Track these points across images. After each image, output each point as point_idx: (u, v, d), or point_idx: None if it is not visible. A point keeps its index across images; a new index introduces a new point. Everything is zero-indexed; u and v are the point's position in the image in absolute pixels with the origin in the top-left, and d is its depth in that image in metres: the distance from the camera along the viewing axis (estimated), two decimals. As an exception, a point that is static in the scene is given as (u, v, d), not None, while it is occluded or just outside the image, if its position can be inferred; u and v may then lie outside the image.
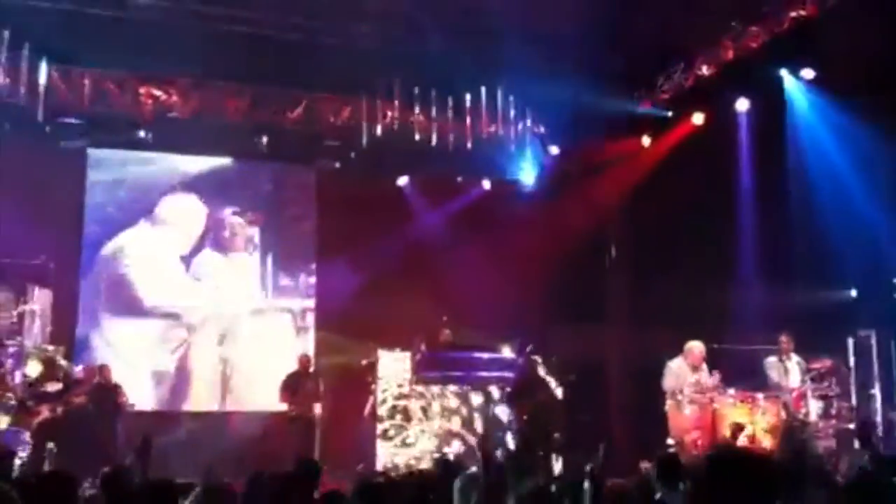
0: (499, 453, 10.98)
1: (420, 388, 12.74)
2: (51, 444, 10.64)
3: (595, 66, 12.57)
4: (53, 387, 11.14)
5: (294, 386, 12.26)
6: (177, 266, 13.94)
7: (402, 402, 12.69)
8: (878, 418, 10.17)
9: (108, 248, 13.67)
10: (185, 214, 14.10)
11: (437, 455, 12.31)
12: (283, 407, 12.39)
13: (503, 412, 12.62)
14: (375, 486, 5.12)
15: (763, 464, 2.69)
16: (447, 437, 12.72)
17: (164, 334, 13.73)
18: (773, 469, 2.76)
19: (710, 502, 2.58)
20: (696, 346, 10.85)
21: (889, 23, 9.70)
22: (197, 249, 14.11)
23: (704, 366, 10.86)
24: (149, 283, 13.72)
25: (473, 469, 7.04)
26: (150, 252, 13.82)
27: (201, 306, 13.96)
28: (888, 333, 10.12)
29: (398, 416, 12.63)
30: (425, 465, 11.76)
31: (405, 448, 12.60)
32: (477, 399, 12.85)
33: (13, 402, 10.96)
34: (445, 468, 7.12)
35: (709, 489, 2.60)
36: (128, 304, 13.59)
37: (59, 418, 10.87)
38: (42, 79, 11.93)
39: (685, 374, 10.79)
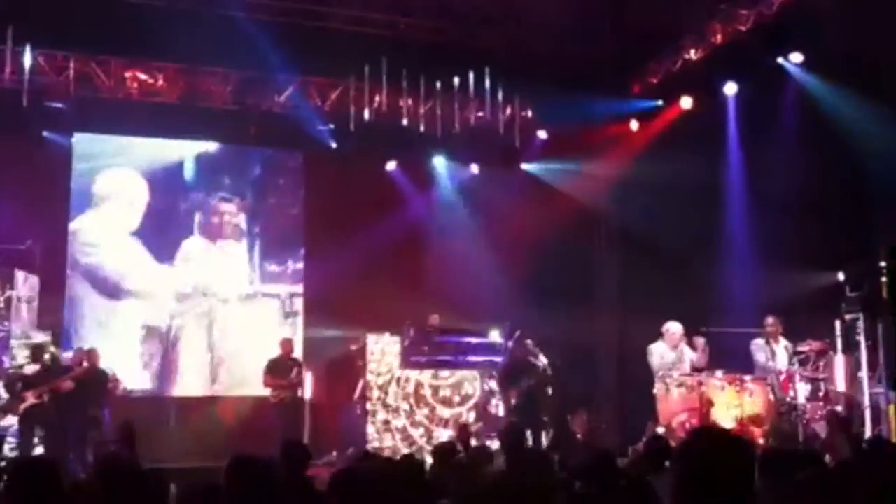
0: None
1: (408, 373, 12.73)
2: (39, 430, 10.64)
3: (583, 50, 12.57)
4: (40, 372, 11.09)
5: (276, 370, 12.24)
6: (153, 246, 13.83)
7: (390, 387, 12.67)
8: (866, 401, 10.20)
9: (90, 233, 13.60)
10: (123, 189, 13.88)
11: (424, 439, 12.38)
12: (269, 392, 12.38)
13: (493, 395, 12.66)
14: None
15: (741, 444, 2.69)
16: (436, 421, 12.71)
17: (151, 319, 13.69)
18: (752, 450, 2.76)
19: (691, 482, 2.57)
20: (673, 327, 10.98)
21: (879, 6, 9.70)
22: (176, 229, 14.00)
23: (683, 345, 10.95)
24: (128, 267, 13.64)
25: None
26: (98, 233, 13.66)
27: (189, 291, 13.92)
28: (875, 316, 10.12)
29: (387, 400, 12.61)
30: (413, 449, 11.81)
31: (394, 432, 12.59)
32: (466, 383, 12.86)
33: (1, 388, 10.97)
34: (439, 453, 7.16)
35: (688, 469, 2.60)
36: (111, 290, 13.53)
37: (45, 404, 10.85)
38: (27, 63, 11.83)
39: (668, 355, 10.89)
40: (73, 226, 13.55)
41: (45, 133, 13.01)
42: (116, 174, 13.86)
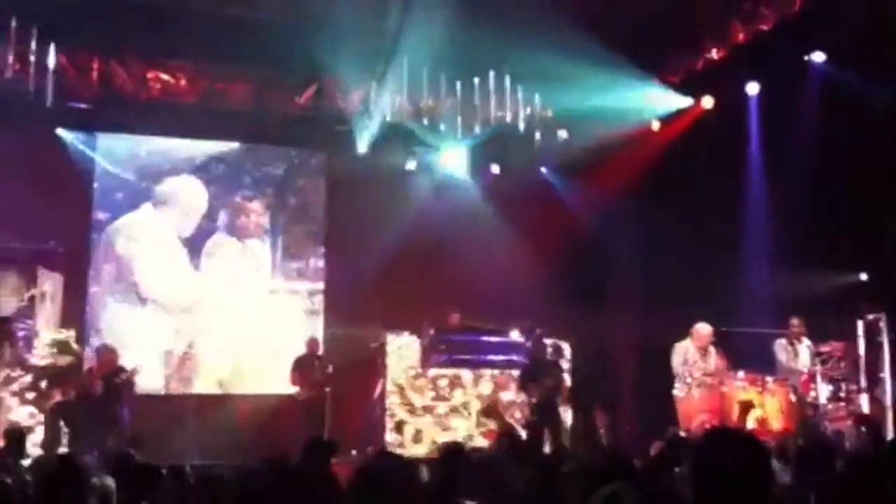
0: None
1: (429, 372, 12.74)
2: (64, 427, 10.73)
3: (604, 50, 12.51)
4: (66, 369, 11.20)
5: (303, 369, 12.34)
6: (178, 247, 13.96)
7: (411, 385, 12.68)
8: (888, 401, 10.14)
9: (113, 231, 13.72)
10: (185, 195, 14.11)
11: (444, 440, 12.38)
12: (293, 390, 12.46)
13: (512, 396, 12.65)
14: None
15: (756, 444, 2.70)
16: (457, 421, 12.71)
17: (173, 317, 13.79)
18: (766, 449, 2.76)
19: (706, 482, 2.58)
20: (703, 328, 10.89)
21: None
22: (202, 231, 14.14)
23: (712, 348, 10.88)
24: (152, 266, 13.77)
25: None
26: (151, 233, 13.85)
27: (211, 290, 14.01)
28: (898, 316, 10.09)
29: (406, 400, 12.63)
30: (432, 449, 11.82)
31: (413, 431, 12.60)
32: (486, 383, 12.85)
33: (27, 384, 11.08)
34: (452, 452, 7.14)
35: (704, 469, 2.60)
36: (134, 288, 13.65)
37: (71, 402, 10.95)
38: (51, 64, 11.93)
39: (693, 356, 10.82)
40: (122, 222, 13.72)
41: (66, 133, 13.16)
42: (182, 181, 14.10)
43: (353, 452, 11.98)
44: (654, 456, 6.75)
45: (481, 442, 11.76)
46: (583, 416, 12.39)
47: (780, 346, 10.80)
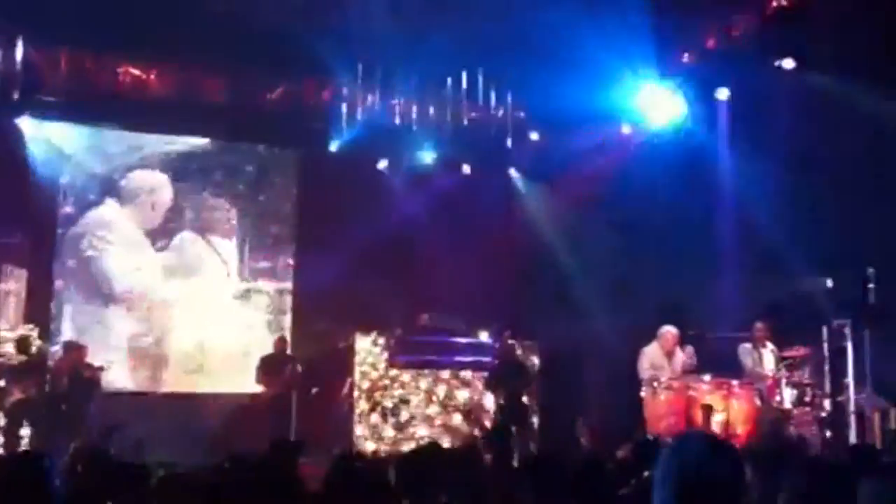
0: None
1: (396, 372, 12.72)
2: (25, 425, 10.59)
3: (576, 53, 12.54)
4: (27, 365, 11.05)
5: (271, 368, 12.26)
6: (145, 243, 13.82)
7: (378, 386, 12.66)
8: (852, 407, 10.25)
9: (78, 227, 13.56)
10: (150, 190, 13.94)
11: (413, 439, 12.37)
12: (259, 389, 12.39)
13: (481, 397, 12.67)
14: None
15: (727, 448, 2.71)
16: (424, 421, 12.71)
17: (139, 314, 13.65)
18: (738, 454, 2.77)
19: (675, 487, 2.58)
20: (669, 331, 10.96)
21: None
22: (169, 228, 14.00)
23: (678, 350, 10.96)
24: (118, 262, 13.61)
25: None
26: (117, 229, 13.67)
27: (177, 287, 13.89)
28: (862, 323, 10.18)
29: (374, 400, 12.60)
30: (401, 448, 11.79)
31: (381, 431, 12.59)
32: (454, 384, 12.86)
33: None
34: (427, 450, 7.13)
35: (672, 473, 2.60)
36: (100, 284, 13.49)
37: (32, 399, 10.81)
38: (18, 56, 11.78)
39: (660, 359, 10.89)
40: (88, 217, 13.54)
41: (34, 125, 12.97)
42: (146, 175, 13.90)
43: (320, 452, 11.93)
44: (623, 458, 6.76)
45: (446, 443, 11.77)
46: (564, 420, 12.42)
47: (745, 351, 10.88)
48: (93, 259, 13.50)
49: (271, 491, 4.91)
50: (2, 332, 11.64)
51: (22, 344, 11.33)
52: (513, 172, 14.90)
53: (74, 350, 11.48)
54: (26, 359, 11.12)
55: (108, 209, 13.69)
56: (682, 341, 11.01)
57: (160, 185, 14.03)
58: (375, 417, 12.54)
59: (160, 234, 13.93)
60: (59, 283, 13.31)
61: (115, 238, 13.63)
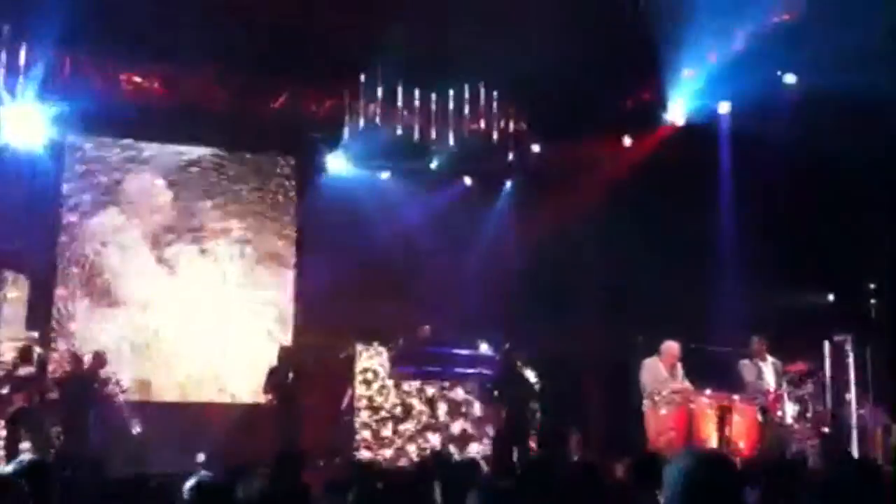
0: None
1: (398, 384, 12.71)
2: (25, 434, 10.57)
3: (578, 65, 12.57)
4: (28, 374, 11.02)
5: (276, 378, 12.21)
6: (145, 251, 13.80)
7: (379, 397, 12.65)
8: (853, 422, 10.25)
9: (80, 235, 13.55)
10: (152, 198, 13.94)
11: (414, 451, 12.36)
12: (263, 399, 12.35)
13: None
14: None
15: (726, 463, 2.72)
16: (425, 433, 12.70)
17: (142, 322, 13.62)
18: (735, 469, 2.79)
19: (676, 501, 2.59)
20: (671, 346, 10.90)
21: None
22: (170, 236, 13.97)
23: (679, 365, 10.92)
24: (119, 270, 13.60)
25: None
26: (119, 237, 13.68)
27: (180, 296, 13.86)
28: (864, 338, 10.19)
29: (375, 411, 12.59)
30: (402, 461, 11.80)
31: (382, 442, 12.57)
32: (455, 396, 12.85)
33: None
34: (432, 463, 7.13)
35: (674, 488, 2.62)
36: (102, 291, 13.48)
37: (34, 407, 10.77)
38: (21, 62, 11.78)
39: (662, 373, 10.85)
40: (91, 225, 13.54)
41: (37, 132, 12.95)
42: (147, 183, 13.88)
43: (321, 463, 11.91)
44: (626, 474, 6.74)
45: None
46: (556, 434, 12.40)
47: (745, 367, 10.83)
48: (95, 264, 13.49)
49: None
50: (3, 340, 11.62)
51: (25, 352, 11.29)
52: (514, 183, 14.89)
53: (77, 358, 11.48)
54: (27, 369, 11.08)
55: (110, 217, 13.69)
56: (684, 358, 10.95)
57: (161, 194, 14.03)
58: (376, 427, 12.52)
59: (161, 243, 13.91)
60: (60, 291, 13.30)
61: (116, 246, 13.62)
